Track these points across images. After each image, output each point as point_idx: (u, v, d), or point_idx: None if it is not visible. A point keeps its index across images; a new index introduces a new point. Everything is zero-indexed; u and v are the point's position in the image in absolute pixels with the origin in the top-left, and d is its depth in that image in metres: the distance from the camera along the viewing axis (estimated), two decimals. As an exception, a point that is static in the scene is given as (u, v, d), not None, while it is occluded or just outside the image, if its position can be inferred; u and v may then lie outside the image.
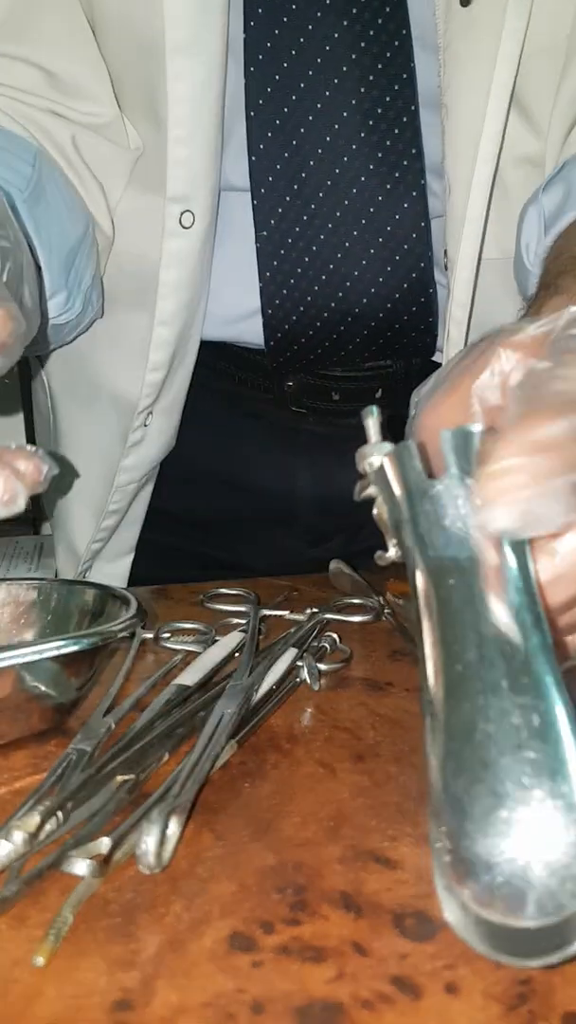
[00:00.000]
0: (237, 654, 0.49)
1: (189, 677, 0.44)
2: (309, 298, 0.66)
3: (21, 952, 0.27)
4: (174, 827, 0.31)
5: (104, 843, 0.30)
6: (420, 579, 0.29)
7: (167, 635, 0.53)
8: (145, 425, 0.69)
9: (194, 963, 0.26)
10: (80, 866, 0.29)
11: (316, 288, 0.66)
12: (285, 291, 0.66)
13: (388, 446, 0.31)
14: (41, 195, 0.56)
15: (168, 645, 0.52)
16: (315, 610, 0.55)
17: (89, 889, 0.29)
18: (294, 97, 0.61)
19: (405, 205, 0.64)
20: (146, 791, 0.35)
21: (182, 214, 0.61)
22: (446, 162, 0.62)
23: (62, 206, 0.60)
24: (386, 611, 0.57)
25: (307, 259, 0.65)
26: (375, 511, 0.32)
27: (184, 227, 0.62)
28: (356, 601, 0.59)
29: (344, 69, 0.60)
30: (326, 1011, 0.25)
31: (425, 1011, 0.25)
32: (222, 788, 0.36)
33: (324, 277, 0.66)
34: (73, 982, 0.26)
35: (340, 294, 0.66)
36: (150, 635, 0.53)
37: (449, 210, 0.63)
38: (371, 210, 0.64)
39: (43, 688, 0.38)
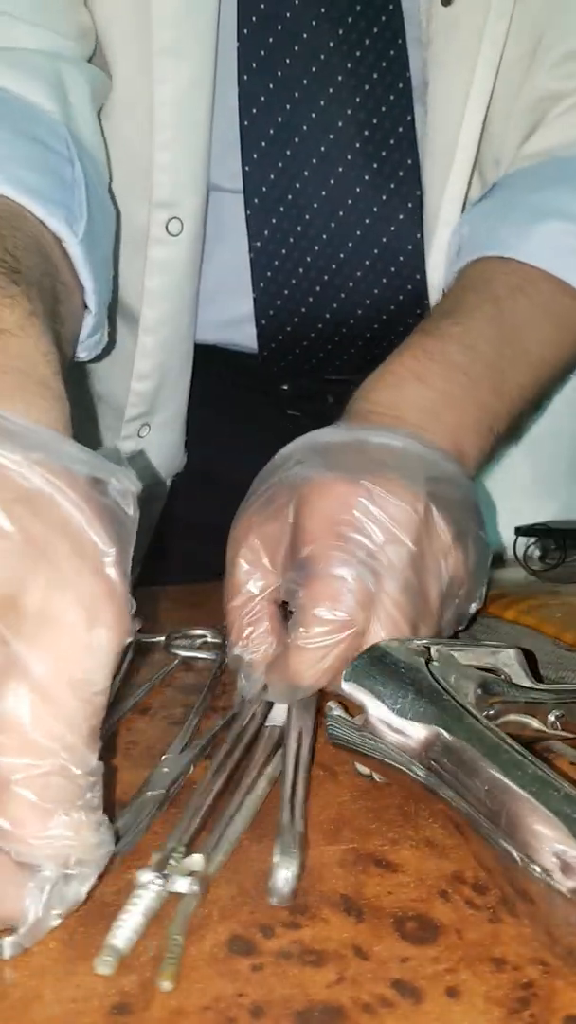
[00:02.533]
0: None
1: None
2: (303, 309, 0.66)
3: (19, 956, 0.27)
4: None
5: (196, 860, 0.30)
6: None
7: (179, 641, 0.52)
8: (140, 436, 0.69)
9: (193, 967, 0.26)
10: (182, 884, 0.28)
11: (310, 299, 0.66)
12: (279, 302, 0.66)
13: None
14: (91, 224, 0.52)
15: (176, 651, 0.51)
16: None
17: (189, 907, 0.28)
18: (288, 106, 0.60)
19: (400, 216, 0.64)
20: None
21: (169, 221, 0.61)
22: (423, 163, 0.62)
23: (102, 228, 0.55)
24: None
25: (301, 270, 0.65)
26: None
27: (171, 234, 0.61)
28: None
29: (339, 78, 0.60)
30: (326, 1015, 0.25)
31: (426, 1015, 0.25)
32: (228, 793, 0.36)
33: (318, 288, 0.65)
34: (72, 985, 0.26)
35: (335, 305, 0.66)
36: (159, 639, 0.52)
37: (426, 214, 0.62)
38: (366, 221, 0.63)
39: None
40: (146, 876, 0.28)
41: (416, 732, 0.32)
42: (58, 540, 0.27)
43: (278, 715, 0.39)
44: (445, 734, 0.31)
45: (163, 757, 0.38)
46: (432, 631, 0.41)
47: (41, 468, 0.27)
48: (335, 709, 0.35)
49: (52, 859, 0.26)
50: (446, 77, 0.59)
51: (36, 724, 0.26)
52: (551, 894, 0.25)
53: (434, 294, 0.63)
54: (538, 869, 0.26)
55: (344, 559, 0.38)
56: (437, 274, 0.63)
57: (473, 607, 0.45)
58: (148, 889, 0.28)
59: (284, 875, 0.29)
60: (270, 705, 0.40)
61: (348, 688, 0.34)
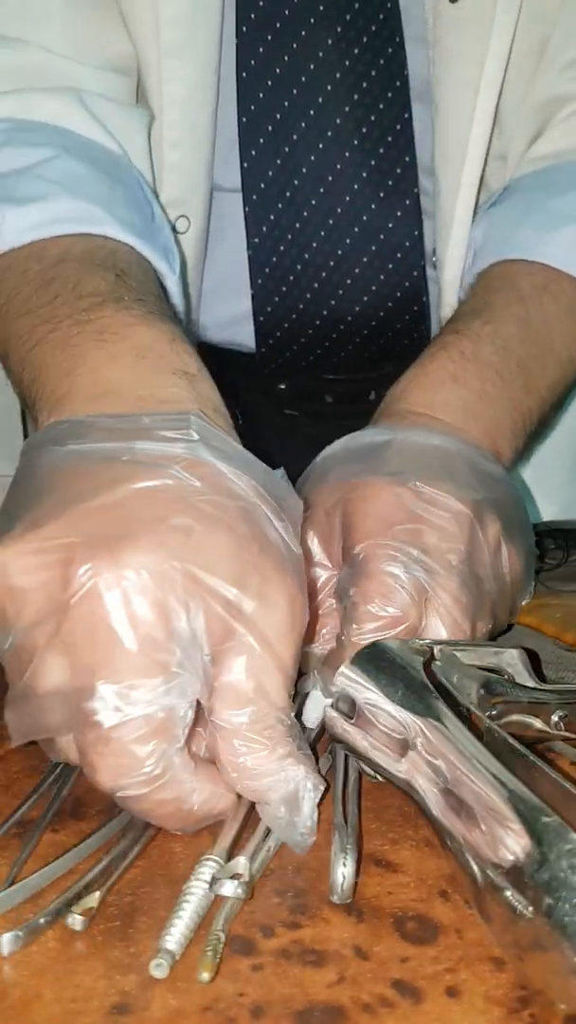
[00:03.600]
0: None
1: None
2: (301, 305, 0.66)
3: (19, 955, 0.27)
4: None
5: (241, 863, 0.30)
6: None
7: None
8: None
9: (193, 967, 0.26)
10: (228, 887, 0.28)
11: (308, 296, 0.66)
12: (277, 298, 0.66)
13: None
14: (174, 258, 0.55)
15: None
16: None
17: (235, 908, 0.28)
18: (286, 103, 0.61)
19: (398, 213, 0.64)
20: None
21: (177, 219, 0.61)
22: (436, 161, 0.62)
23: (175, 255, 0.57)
24: None
25: (299, 266, 0.65)
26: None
27: (179, 232, 0.62)
28: None
29: (337, 75, 0.60)
30: (326, 1015, 0.25)
31: (426, 1015, 0.25)
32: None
33: (316, 285, 0.65)
34: (71, 986, 0.26)
35: (332, 302, 0.66)
36: None
37: (438, 211, 0.63)
38: (364, 218, 0.64)
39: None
40: (196, 880, 0.29)
41: (396, 728, 0.32)
42: (270, 542, 0.33)
43: (311, 717, 0.39)
44: (423, 732, 0.31)
45: None
46: (487, 627, 0.42)
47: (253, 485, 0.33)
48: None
49: (282, 794, 0.31)
50: (455, 74, 0.59)
51: (262, 683, 0.31)
52: (502, 910, 0.25)
53: (448, 289, 0.63)
54: (492, 879, 0.26)
55: (395, 556, 0.39)
56: (452, 270, 0.63)
57: (524, 601, 0.46)
58: (195, 892, 0.28)
59: (342, 873, 0.29)
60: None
61: (341, 681, 0.34)
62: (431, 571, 0.39)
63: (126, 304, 0.42)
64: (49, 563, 0.30)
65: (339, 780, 0.35)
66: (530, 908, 0.25)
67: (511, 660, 0.37)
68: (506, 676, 0.37)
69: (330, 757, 0.37)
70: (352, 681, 0.33)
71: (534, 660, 0.39)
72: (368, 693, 0.33)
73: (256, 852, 0.31)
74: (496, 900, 0.26)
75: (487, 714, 0.33)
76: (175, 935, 0.27)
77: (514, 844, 0.26)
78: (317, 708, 0.38)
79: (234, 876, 0.29)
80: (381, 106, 0.61)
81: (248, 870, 0.30)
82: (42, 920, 0.27)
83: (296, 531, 0.35)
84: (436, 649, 0.35)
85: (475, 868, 0.27)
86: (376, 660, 0.34)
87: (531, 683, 0.37)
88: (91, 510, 0.31)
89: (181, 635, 0.30)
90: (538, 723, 0.35)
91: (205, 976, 0.26)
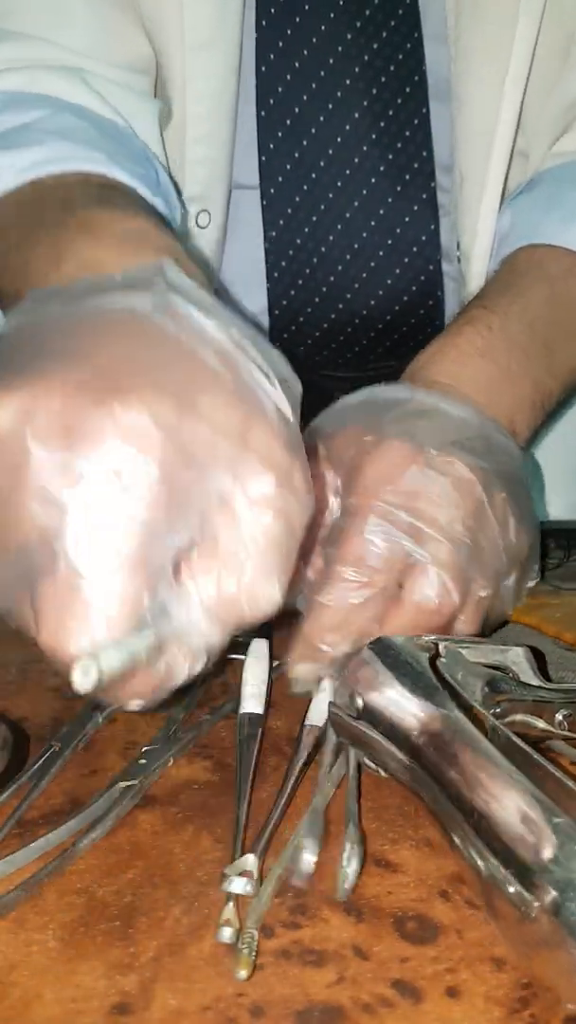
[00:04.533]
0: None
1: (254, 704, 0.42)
2: (317, 299, 0.66)
3: (19, 956, 0.27)
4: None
5: (250, 860, 0.30)
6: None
7: None
8: None
9: (193, 967, 0.26)
10: (237, 884, 0.29)
11: (324, 289, 0.66)
12: (293, 292, 0.66)
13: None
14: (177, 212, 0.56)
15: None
16: None
17: (261, 906, 0.29)
18: (305, 97, 0.61)
19: (415, 208, 0.64)
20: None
21: (199, 214, 0.62)
22: (458, 155, 0.62)
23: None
24: None
25: (315, 260, 0.65)
26: None
27: (200, 227, 0.62)
28: None
29: (356, 70, 0.60)
30: (326, 1015, 0.25)
31: (426, 1015, 0.25)
32: (221, 792, 0.36)
33: (332, 278, 0.66)
34: (71, 985, 0.26)
35: (348, 296, 0.66)
36: None
37: (462, 204, 0.63)
38: (380, 212, 0.64)
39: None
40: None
41: (402, 724, 0.32)
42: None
43: (316, 715, 0.39)
44: (429, 727, 0.30)
45: (143, 749, 0.38)
46: (491, 601, 0.42)
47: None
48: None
49: None
50: (479, 71, 0.59)
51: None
52: (510, 908, 0.25)
53: (474, 283, 0.63)
54: (500, 877, 0.26)
55: (379, 522, 0.39)
56: (479, 264, 0.63)
57: (531, 582, 0.46)
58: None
59: (346, 872, 0.29)
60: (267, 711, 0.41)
61: (348, 678, 0.34)
62: (423, 537, 0.39)
63: (116, 205, 0.42)
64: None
65: (325, 777, 0.35)
66: (537, 905, 0.25)
67: (516, 658, 0.37)
68: (511, 674, 0.37)
69: (332, 756, 0.37)
70: (355, 680, 0.33)
71: (539, 659, 0.39)
72: (372, 694, 0.33)
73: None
74: (504, 898, 0.26)
75: (491, 712, 0.33)
76: None
77: (539, 841, 0.26)
78: (323, 705, 0.39)
79: (243, 873, 0.29)
80: (399, 101, 0.62)
81: (256, 868, 0.30)
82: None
83: (295, 409, 0.32)
84: (441, 646, 0.36)
85: (482, 865, 0.27)
86: (381, 656, 0.34)
87: (536, 681, 0.37)
88: (67, 364, 0.29)
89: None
90: (542, 722, 0.35)
91: (243, 974, 0.26)
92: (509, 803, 0.27)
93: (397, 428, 0.42)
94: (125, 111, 0.56)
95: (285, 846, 0.31)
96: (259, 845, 0.31)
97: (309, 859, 0.30)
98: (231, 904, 0.28)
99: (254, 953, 0.26)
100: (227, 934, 0.27)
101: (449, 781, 0.29)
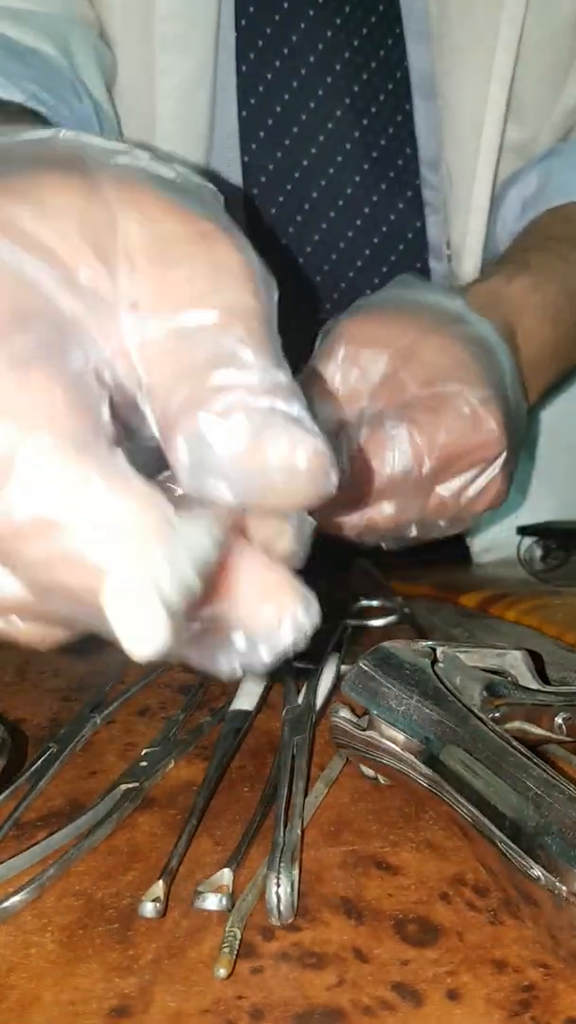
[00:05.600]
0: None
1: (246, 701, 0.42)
2: (303, 300, 0.66)
3: (18, 958, 0.26)
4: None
5: (226, 874, 0.30)
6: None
7: None
8: None
9: (193, 969, 0.26)
10: (212, 901, 0.29)
11: (310, 290, 0.66)
12: (278, 293, 0.66)
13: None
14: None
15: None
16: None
17: (244, 911, 0.28)
18: (286, 96, 0.61)
19: (400, 205, 0.64)
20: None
21: None
22: (445, 152, 0.62)
23: None
24: (404, 609, 0.57)
25: (301, 260, 0.65)
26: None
27: None
28: (376, 604, 0.57)
29: (337, 68, 0.60)
30: (326, 1018, 0.24)
31: (427, 1018, 0.24)
32: (221, 792, 0.36)
33: (318, 279, 0.65)
34: (70, 988, 0.25)
35: (335, 296, 0.66)
36: None
37: (451, 202, 0.63)
38: (366, 210, 0.64)
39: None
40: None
41: (420, 734, 0.31)
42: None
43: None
44: (449, 736, 0.30)
45: (144, 751, 0.38)
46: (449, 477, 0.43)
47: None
48: (341, 711, 0.35)
49: None
50: (463, 66, 0.59)
51: None
52: (554, 898, 0.25)
53: (465, 278, 0.64)
54: (540, 873, 0.25)
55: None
56: (471, 260, 0.63)
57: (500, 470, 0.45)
58: None
59: (277, 893, 0.28)
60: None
61: (351, 690, 0.34)
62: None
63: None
64: None
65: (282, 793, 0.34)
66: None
67: (514, 662, 0.37)
68: (509, 678, 0.37)
69: (279, 768, 0.36)
70: (361, 693, 0.33)
71: (538, 662, 0.39)
72: (380, 704, 0.33)
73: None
74: (538, 887, 0.26)
75: (490, 716, 0.33)
76: None
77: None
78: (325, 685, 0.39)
79: (218, 889, 0.29)
80: (381, 97, 0.62)
81: (231, 882, 0.29)
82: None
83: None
84: (439, 651, 0.35)
85: (518, 857, 0.26)
86: (383, 666, 0.34)
87: (534, 685, 0.37)
88: None
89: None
90: (541, 726, 0.35)
91: (222, 972, 0.26)
92: (543, 806, 0.26)
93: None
94: (54, 36, 0.54)
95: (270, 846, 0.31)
96: (235, 860, 0.31)
97: (280, 894, 0.28)
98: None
99: (235, 953, 0.26)
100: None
101: (473, 789, 0.29)
